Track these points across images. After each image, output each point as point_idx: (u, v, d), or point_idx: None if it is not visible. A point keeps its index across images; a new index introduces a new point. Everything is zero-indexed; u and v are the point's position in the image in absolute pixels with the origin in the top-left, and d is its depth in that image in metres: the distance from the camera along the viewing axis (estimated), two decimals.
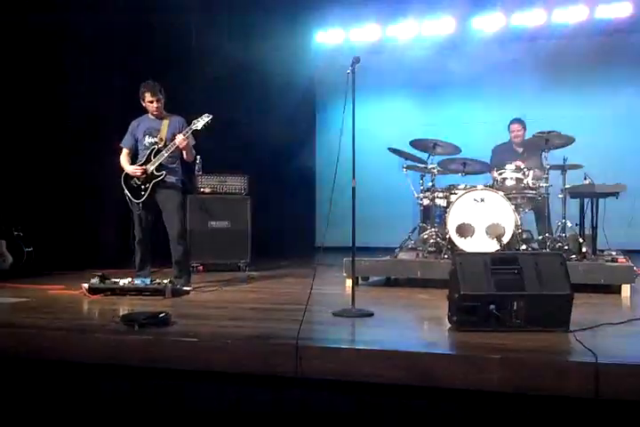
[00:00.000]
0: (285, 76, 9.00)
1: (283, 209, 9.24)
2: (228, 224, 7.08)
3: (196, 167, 7.01)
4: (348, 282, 5.32)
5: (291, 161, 9.27)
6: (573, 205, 6.05)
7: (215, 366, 3.23)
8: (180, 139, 5.12)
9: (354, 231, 4.13)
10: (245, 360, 3.20)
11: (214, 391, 3.26)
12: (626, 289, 4.98)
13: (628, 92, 9.05)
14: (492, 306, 3.44)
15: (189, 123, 5.22)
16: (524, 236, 5.85)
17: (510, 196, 5.68)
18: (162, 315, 3.66)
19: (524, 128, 6.72)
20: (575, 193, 5.93)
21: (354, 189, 4.12)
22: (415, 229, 6.21)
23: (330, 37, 10.42)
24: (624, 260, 5.54)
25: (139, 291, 4.93)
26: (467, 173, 6.14)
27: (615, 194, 5.78)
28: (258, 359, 3.18)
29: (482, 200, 5.55)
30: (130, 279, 5.02)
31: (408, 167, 6.18)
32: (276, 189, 8.97)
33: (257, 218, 7.27)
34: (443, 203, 5.97)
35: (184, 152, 5.30)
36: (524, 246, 5.61)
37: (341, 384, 3.05)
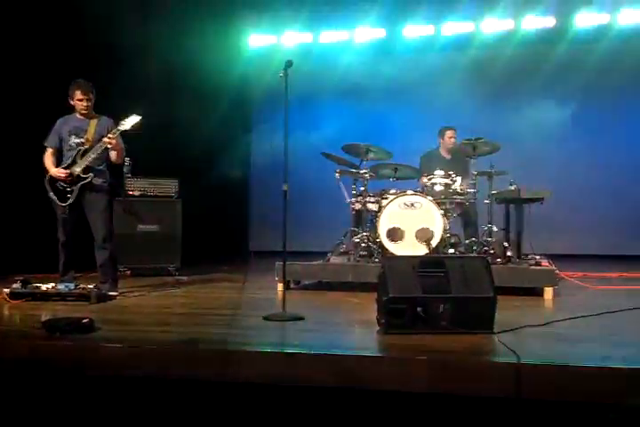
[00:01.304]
0: (219, 77, 8.92)
1: (215, 213, 9.14)
2: (157, 228, 6.95)
3: (125, 169, 6.86)
4: (280, 286, 5.30)
5: (224, 164, 9.19)
6: (499, 210, 6.23)
7: (141, 373, 3.16)
8: (107, 139, 4.99)
9: (284, 235, 4.13)
10: (173, 366, 3.14)
11: (140, 398, 3.19)
12: (548, 292, 5.14)
13: (551, 102, 9.39)
14: (419, 308, 3.50)
15: (118, 124, 5.10)
16: (452, 240, 5.97)
17: (439, 201, 5.79)
18: (84, 321, 3.56)
19: (455, 135, 6.87)
20: (501, 199, 6.10)
21: (285, 192, 4.12)
22: (347, 233, 6.25)
23: (263, 40, 10.42)
24: (547, 264, 5.75)
25: (62, 296, 4.78)
26: (398, 179, 6.22)
27: (539, 200, 5.98)
28: (185, 365, 3.12)
29: (412, 205, 5.65)
30: (53, 284, 4.86)
31: (341, 172, 6.22)
32: (209, 192, 8.86)
33: (188, 222, 7.17)
34: (374, 207, 6.03)
35: (112, 153, 5.17)
36: (451, 250, 5.73)
37: (271, 388, 3.03)
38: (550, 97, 9.40)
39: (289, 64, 4.16)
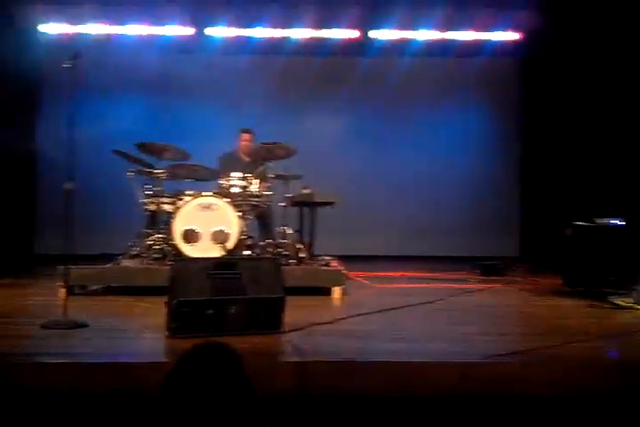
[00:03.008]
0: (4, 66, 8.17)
1: None
2: None
3: None
4: (62, 292, 4.96)
5: (6, 160, 8.43)
6: (294, 213, 6.40)
7: None
8: None
9: (67, 237, 3.88)
10: None
11: None
12: (336, 291, 5.37)
13: (353, 110, 9.87)
14: (209, 311, 3.47)
15: None
16: (248, 242, 6.01)
17: (236, 203, 5.81)
18: None
19: (253, 138, 6.93)
20: (295, 202, 6.27)
21: (69, 191, 3.87)
22: (140, 235, 6.03)
23: (55, 30, 9.72)
24: (336, 264, 6.00)
25: None
26: (196, 180, 6.14)
27: (331, 204, 6.24)
28: None
29: (208, 207, 5.60)
30: None
31: (134, 171, 5.99)
32: None
33: None
34: (169, 209, 5.88)
35: None
36: (247, 252, 5.77)
37: (54, 399, 2.82)
38: (348, 106, 9.85)
39: (76, 55, 3.93)
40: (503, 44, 9.82)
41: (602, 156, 7.39)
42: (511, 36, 9.69)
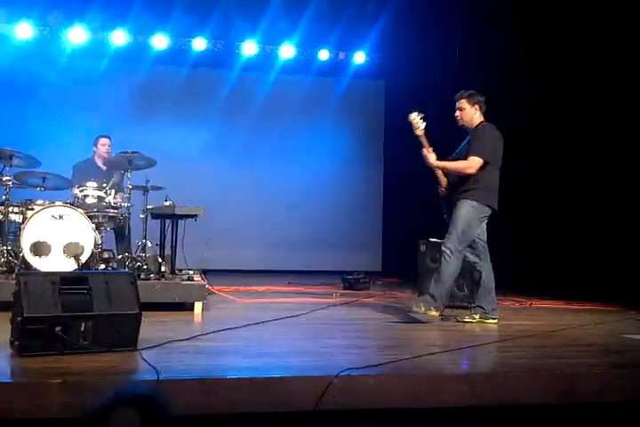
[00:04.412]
0: None
1: None
2: None
3: None
4: None
5: None
6: (155, 225, 6.19)
7: None
8: None
9: None
10: None
11: None
12: (198, 306, 5.24)
13: (215, 124, 9.78)
14: (57, 328, 3.25)
15: None
16: (105, 255, 5.75)
17: (91, 214, 5.53)
18: None
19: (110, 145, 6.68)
20: (157, 214, 6.07)
21: None
22: None
23: None
24: (199, 279, 5.86)
25: None
26: (47, 189, 5.79)
27: (194, 216, 6.09)
28: None
29: (60, 217, 5.28)
30: None
31: None
32: None
33: None
34: (18, 218, 5.51)
35: None
36: (103, 266, 5.51)
37: None
38: (213, 118, 9.76)
39: None
40: (365, 66, 10.21)
41: None
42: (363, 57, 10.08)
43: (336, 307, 5.87)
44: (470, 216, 4.86)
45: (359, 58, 10.12)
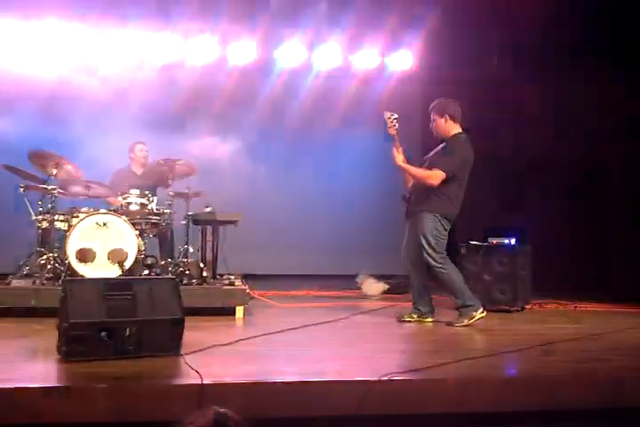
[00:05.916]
0: None
1: None
2: None
3: None
4: None
5: None
6: (196, 231, 6.27)
7: None
8: None
9: None
10: None
11: None
12: (240, 311, 5.30)
13: (252, 129, 9.83)
14: (103, 333, 3.33)
15: None
16: (149, 261, 5.82)
17: (134, 221, 5.62)
18: None
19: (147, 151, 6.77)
20: (197, 220, 6.15)
21: None
22: (32, 253, 5.73)
23: None
24: (240, 283, 5.92)
25: None
26: (90, 197, 5.91)
27: (233, 222, 6.15)
28: None
29: (105, 224, 5.38)
30: None
31: (26, 187, 5.70)
32: None
33: None
34: (63, 226, 5.63)
35: None
36: (146, 271, 5.59)
37: None
38: (252, 122, 9.78)
39: None
40: (404, 71, 10.14)
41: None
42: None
43: (375, 311, 5.86)
44: (435, 229, 4.93)
45: (399, 62, 10.05)
